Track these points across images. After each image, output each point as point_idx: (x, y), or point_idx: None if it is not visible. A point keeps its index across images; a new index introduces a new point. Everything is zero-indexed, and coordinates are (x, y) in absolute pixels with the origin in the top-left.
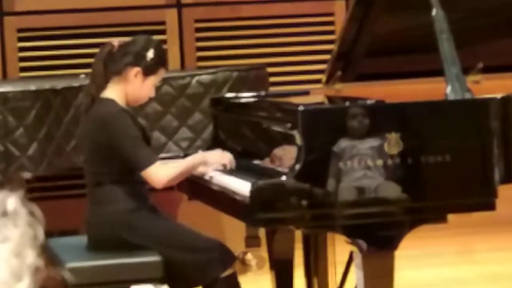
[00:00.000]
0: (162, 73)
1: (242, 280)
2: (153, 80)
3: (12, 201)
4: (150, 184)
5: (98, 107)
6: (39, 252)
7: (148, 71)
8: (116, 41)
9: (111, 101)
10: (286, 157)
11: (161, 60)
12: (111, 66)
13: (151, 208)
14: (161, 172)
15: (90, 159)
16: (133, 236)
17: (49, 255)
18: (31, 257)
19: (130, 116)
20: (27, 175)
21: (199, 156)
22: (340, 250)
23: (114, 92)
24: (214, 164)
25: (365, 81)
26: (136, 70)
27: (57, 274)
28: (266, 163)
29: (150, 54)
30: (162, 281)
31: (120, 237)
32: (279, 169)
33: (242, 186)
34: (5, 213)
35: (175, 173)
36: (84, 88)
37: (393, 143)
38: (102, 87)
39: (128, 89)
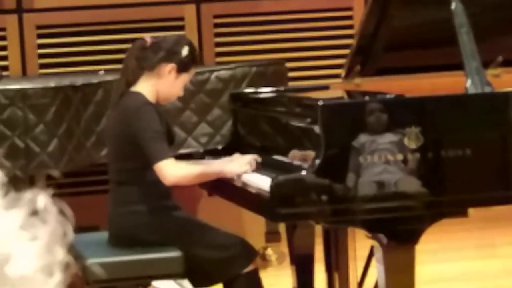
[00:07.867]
0: (193, 72)
1: (263, 275)
2: (184, 78)
3: (42, 199)
4: (160, 179)
5: (125, 100)
6: (68, 250)
7: (182, 68)
8: (148, 37)
9: (138, 94)
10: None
11: (194, 59)
12: (143, 62)
13: (173, 207)
14: (173, 168)
15: (115, 154)
16: (155, 236)
17: (72, 252)
18: (61, 253)
19: (156, 110)
20: (55, 172)
21: (218, 168)
22: (360, 244)
23: (144, 87)
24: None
25: (384, 75)
26: (171, 66)
27: (79, 271)
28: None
29: (185, 51)
30: (182, 277)
31: (141, 237)
32: (298, 163)
33: (262, 182)
34: (35, 212)
35: (187, 173)
36: (114, 83)
37: (413, 137)
38: (133, 82)
39: (160, 85)
